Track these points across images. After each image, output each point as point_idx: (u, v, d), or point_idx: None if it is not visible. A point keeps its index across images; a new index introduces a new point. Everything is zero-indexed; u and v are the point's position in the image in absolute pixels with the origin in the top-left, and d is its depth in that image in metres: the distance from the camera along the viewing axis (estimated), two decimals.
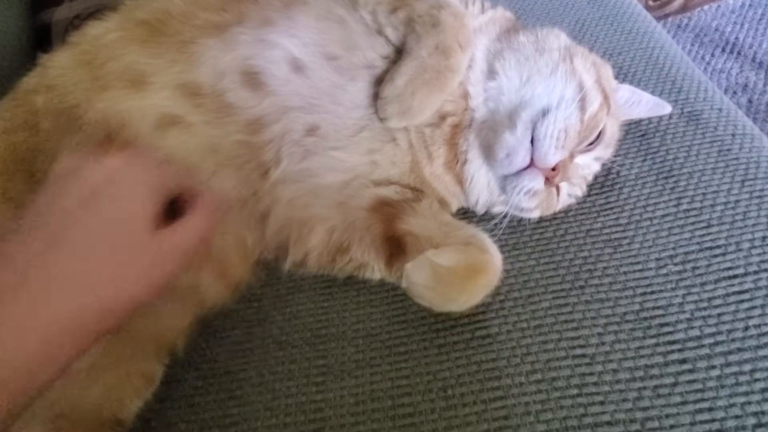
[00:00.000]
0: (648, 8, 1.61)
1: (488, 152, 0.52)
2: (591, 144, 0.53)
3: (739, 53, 1.42)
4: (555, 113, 0.48)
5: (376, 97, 0.51)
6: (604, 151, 0.55)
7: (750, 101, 1.31)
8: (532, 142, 0.49)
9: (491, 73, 0.53)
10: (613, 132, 0.56)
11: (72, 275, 0.31)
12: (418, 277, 0.46)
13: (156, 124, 0.50)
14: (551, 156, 0.48)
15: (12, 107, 0.52)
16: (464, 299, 0.46)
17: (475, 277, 0.45)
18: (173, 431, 0.46)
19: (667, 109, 0.59)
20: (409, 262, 0.47)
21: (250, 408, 0.46)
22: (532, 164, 0.49)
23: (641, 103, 0.59)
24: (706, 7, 1.59)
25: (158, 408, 0.48)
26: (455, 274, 0.45)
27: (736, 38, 1.46)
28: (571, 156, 0.51)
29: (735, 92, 1.33)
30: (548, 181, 0.50)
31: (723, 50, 1.44)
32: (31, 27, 0.84)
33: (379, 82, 0.52)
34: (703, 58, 1.43)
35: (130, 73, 0.51)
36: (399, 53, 0.52)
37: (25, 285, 0.30)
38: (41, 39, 0.82)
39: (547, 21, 0.80)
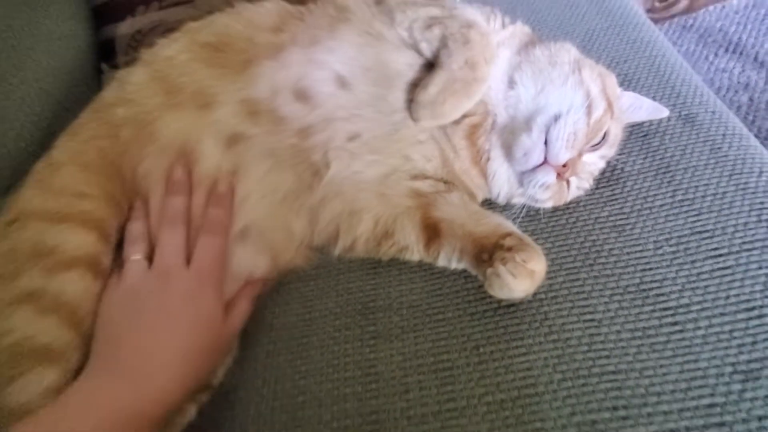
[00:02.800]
0: (654, 9, 1.68)
1: (508, 152, 0.60)
2: (597, 144, 0.61)
3: (741, 53, 1.48)
4: (565, 118, 0.56)
5: (409, 101, 0.60)
6: (609, 150, 0.63)
7: (751, 99, 1.38)
8: (545, 143, 0.57)
9: (511, 83, 0.62)
10: (616, 133, 0.63)
11: None
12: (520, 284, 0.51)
13: (225, 143, 0.59)
14: (562, 155, 0.56)
15: (96, 118, 0.61)
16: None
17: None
18: (252, 385, 0.56)
19: (665, 112, 0.66)
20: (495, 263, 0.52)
21: (315, 365, 0.55)
22: (545, 162, 0.57)
23: (642, 108, 0.66)
24: (711, 7, 1.65)
25: (237, 369, 0.58)
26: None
27: (739, 38, 1.52)
28: (580, 154, 0.59)
29: (736, 91, 1.40)
30: (559, 176, 0.58)
31: (726, 50, 1.50)
32: (96, 41, 0.94)
33: (411, 87, 0.60)
34: (706, 57, 1.50)
35: (198, 94, 0.59)
36: (428, 65, 0.60)
37: None
38: (106, 52, 0.92)
39: (560, 31, 0.87)
